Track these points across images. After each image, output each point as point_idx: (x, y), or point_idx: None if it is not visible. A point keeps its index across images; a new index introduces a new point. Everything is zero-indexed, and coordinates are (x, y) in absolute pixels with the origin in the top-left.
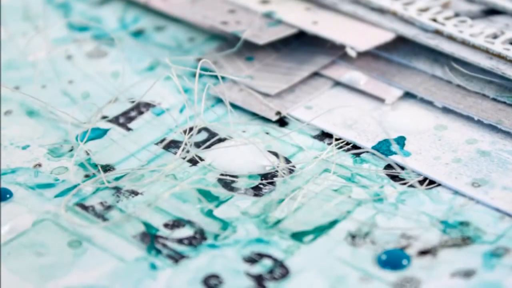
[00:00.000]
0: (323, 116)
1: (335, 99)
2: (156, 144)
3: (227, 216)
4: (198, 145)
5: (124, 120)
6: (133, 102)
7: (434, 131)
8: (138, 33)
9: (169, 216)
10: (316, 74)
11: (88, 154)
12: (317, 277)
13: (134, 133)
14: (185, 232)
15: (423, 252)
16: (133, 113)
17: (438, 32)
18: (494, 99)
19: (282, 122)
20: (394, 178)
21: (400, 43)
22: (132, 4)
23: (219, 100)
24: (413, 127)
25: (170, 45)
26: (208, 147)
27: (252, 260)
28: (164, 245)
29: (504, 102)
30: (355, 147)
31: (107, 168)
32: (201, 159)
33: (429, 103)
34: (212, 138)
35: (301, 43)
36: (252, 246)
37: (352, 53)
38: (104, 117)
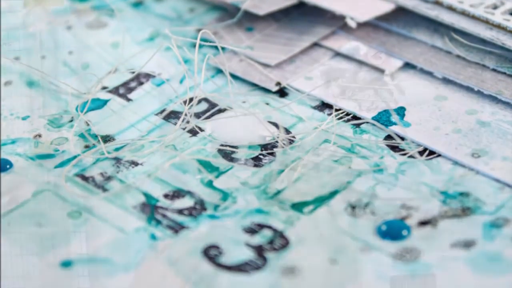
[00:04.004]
0: (323, 86)
1: (335, 69)
2: (156, 114)
3: (227, 187)
4: (198, 115)
5: (124, 90)
6: (133, 72)
7: (434, 102)
8: (138, 4)
9: (169, 187)
10: (316, 45)
11: (88, 124)
12: (317, 247)
13: (134, 104)
14: (185, 202)
15: (423, 223)
16: (133, 84)
17: (438, 3)
18: (494, 70)
19: (282, 92)
20: (394, 148)
21: (400, 14)
22: None
23: (219, 71)
24: (413, 98)
25: (170, 16)
26: (208, 117)
27: (252, 230)
28: (164, 216)
29: (504, 73)
30: (355, 117)
31: (107, 139)
32: (201, 130)
33: (429, 73)
34: (212, 109)
35: (301, 13)
36: (252, 216)
37: (352, 24)
38: (104, 88)
